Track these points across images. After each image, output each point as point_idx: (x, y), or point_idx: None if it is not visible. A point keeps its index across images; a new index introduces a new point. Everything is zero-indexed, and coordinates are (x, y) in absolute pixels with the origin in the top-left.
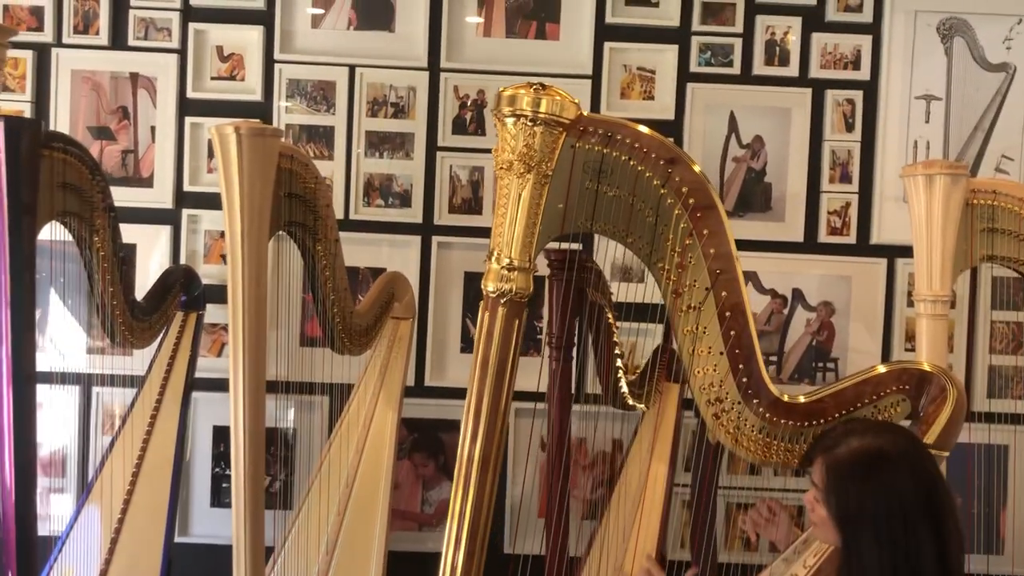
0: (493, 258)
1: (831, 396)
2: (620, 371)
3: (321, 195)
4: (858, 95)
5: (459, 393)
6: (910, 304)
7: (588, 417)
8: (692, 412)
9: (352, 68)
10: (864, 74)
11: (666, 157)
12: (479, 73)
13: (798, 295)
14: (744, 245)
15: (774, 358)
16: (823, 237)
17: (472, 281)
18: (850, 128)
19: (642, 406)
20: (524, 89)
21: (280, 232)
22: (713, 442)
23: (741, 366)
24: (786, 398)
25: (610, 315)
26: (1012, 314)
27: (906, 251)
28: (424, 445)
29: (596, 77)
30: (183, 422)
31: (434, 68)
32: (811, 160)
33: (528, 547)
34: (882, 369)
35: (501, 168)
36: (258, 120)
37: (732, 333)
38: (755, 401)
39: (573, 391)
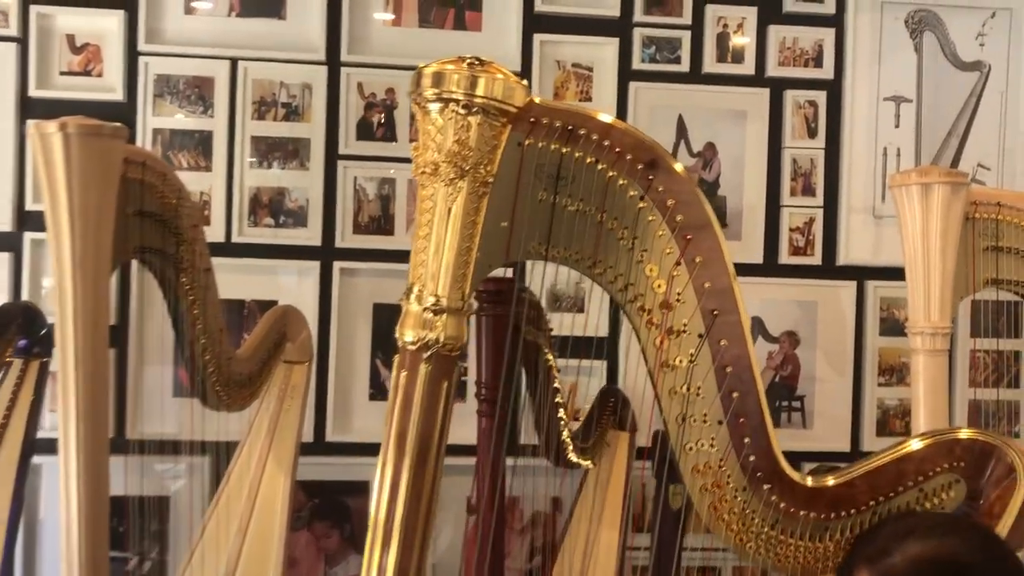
0: (412, 296)
1: (863, 478)
2: (562, 423)
3: (186, 213)
4: (821, 96)
5: (368, 449)
6: (883, 333)
7: (524, 472)
8: (646, 462)
9: (234, 62)
10: (827, 72)
11: (646, 159)
12: (387, 68)
13: (758, 324)
14: None
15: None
16: (785, 258)
17: (383, 314)
18: (813, 133)
19: (587, 463)
20: (454, 65)
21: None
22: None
23: (747, 439)
24: (809, 481)
25: (549, 356)
26: (993, 342)
27: (877, 272)
28: (327, 512)
29: (525, 74)
30: (19, 493)
31: (333, 62)
32: (770, 170)
33: None
34: (923, 442)
35: (423, 173)
36: (120, 124)
37: (735, 395)
38: (766, 487)
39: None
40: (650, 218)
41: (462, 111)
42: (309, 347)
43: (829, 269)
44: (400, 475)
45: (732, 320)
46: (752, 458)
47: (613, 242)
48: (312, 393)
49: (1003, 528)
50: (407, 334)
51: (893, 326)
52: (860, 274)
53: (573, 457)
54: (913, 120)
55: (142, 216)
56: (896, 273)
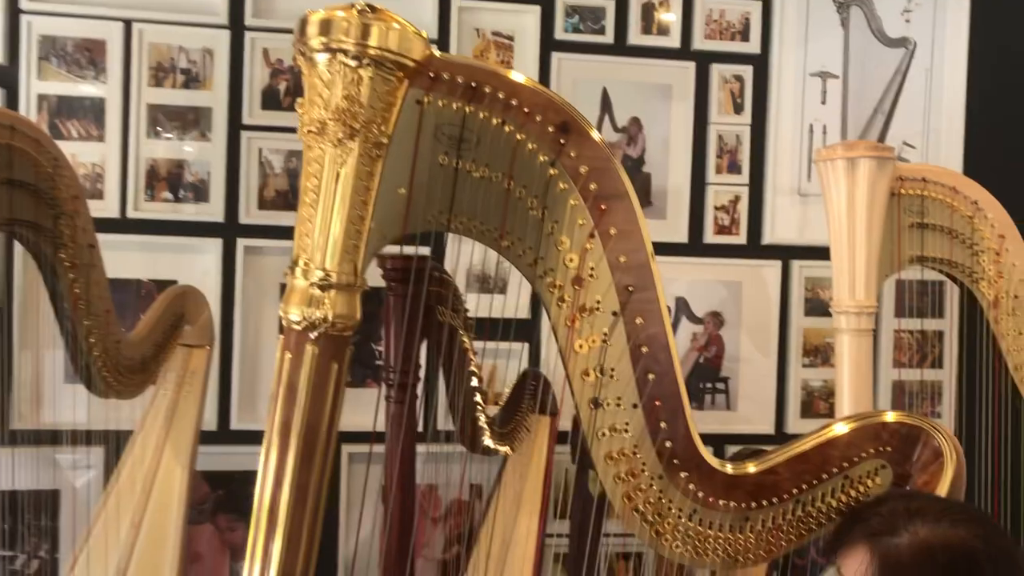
0: (298, 270)
1: (786, 464)
2: (478, 409)
3: (64, 184)
4: (747, 71)
5: None
6: (807, 313)
7: (439, 458)
8: (568, 447)
9: (128, 24)
10: (754, 46)
11: (557, 122)
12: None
13: (682, 305)
14: None
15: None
16: (710, 237)
17: None
18: (739, 109)
19: (506, 449)
20: (344, 11)
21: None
22: (637, 536)
23: (664, 424)
24: (729, 469)
25: (466, 339)
26: (917, 322)
27: (802, 252)
28: (232, 504)
29: (443, 42)
30: None
31: (237, 25)
32: (696, 147)
33: None
34: (849, 426)
35: (309, 132)
36: None
37: (650, 377)
38: (684, 474)
39: (420, 428)
40: (561, 186)
41: (352, 63)
42: (210, 330)
43: (754, 249)
44: (284, 468)
45: (648, 297)
46: (669, 444)
47: (522, 212)
48: (215, 379)
49: None
50: (292, 312)
51: (818, 306)
52: (785, 254)
53: (489, 443)
54: (839, 96)
55: (12, 185)
56: (821, 253)
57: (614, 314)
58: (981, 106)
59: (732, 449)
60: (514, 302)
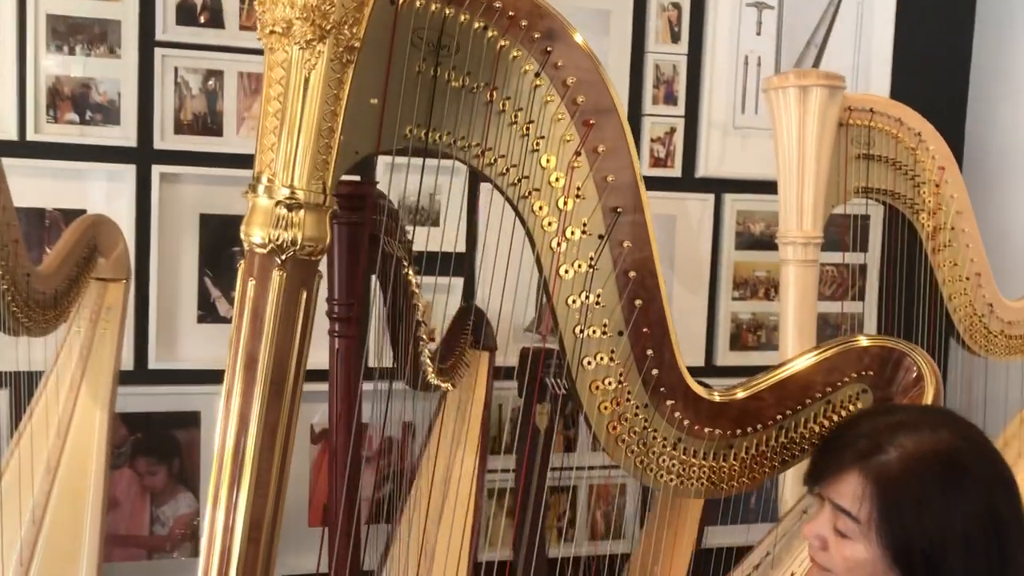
0: (261, 188)
1: (770, 390)
2: (421, 343)
3: None
4: None
5: (198, 376)
6: (738, 247)
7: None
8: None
9: None
10: None
11: (543, 28)
12: None
13: None
14: None
15: None
16: (646, 170)
17: (211, 226)
18: (676, 38)
19: (447, 384)
20: None
21: None
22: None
23: (650, 352)
24: (717, 397)
25: (409, 271)
26: (838, 255)
27: (735, 185)
28: (152, 447)
29: None
30: None
31: None
32: (632, 77)
33: (302, 564)
34: (831, 351)
35: (273, 33)
36: None
37: (637, 303)
38: (670, 403)
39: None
40: (547, 98)
41: None
42: (126, 262)
43: (688, 182)
44: (250, 406)
45: (636, 219)
46: (655, 372)
47: (505, 126)
48: (131, 316)
49: None
50: (255, 234)
51: (748, 240)
52: (718, 187)
53: (433, 379)
54: (774, 28)
55: None
56: (753, 186)
57: (600, 237)
58: (909, 40)
59: None
60: (450, 235)
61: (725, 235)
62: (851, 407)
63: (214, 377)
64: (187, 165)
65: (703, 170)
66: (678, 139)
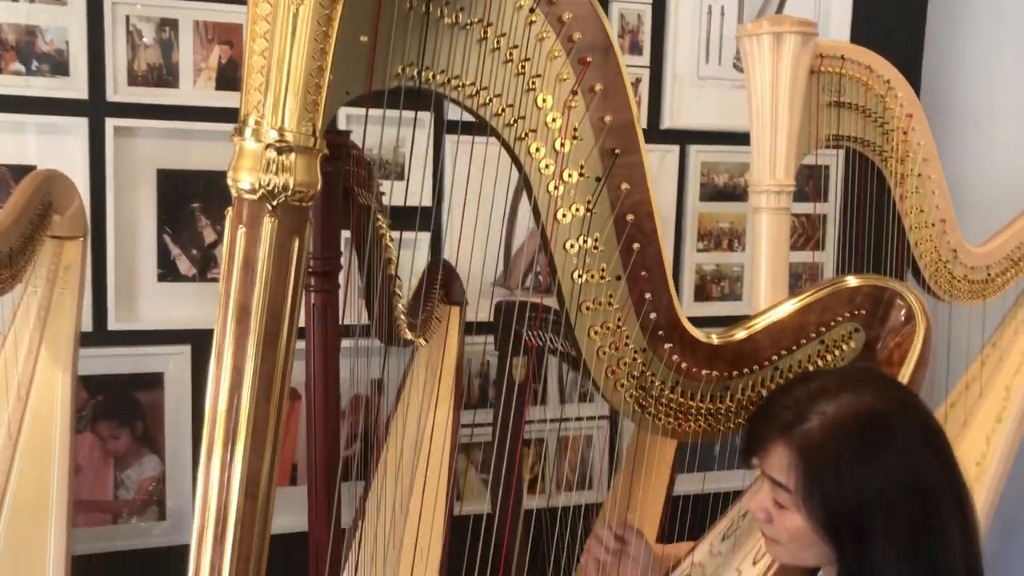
0: (248, 130)
1: (764, 332)
2: (396, 297)
3: None
4: None
5: (159, 337)
6: (702, 198)
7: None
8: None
9: None
10: None
11: None
12: None
13: None
14: None
15: None
16: None
17: (170, 182)
18: None
19: (420, 340)
20: None
21: None
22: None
23: (648, 295)
24: (715, 339)
25: (383, 223)
26: (803, 206)
27: (699, 137)
28: (114, 410)
29: None
30: None
31: None
32: None
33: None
34: (824, 292)
35: None
36: None
37: (635, 246)
38: (668, 346)
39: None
40: (543, 35)
41: None
42: (83, 219)
43: (654, 133)
44: (244, 360)
45: (634, 161)
46: (653, 315)
47: (499, 64)
48: (88, 276)
49: (903, 376)
50: (243, 179)
51: (712, 191)
52: (683, 138)
53: (408, 334)
54: None
55: None
56: (718, 137)
57: (598, 180)
58: None
59: None
60: (416, 189)
61: (690, 186)
62: (844, 346)
63: (176, 338)
64: (142, 118)
65: (668, 121)
66: (643, 90)
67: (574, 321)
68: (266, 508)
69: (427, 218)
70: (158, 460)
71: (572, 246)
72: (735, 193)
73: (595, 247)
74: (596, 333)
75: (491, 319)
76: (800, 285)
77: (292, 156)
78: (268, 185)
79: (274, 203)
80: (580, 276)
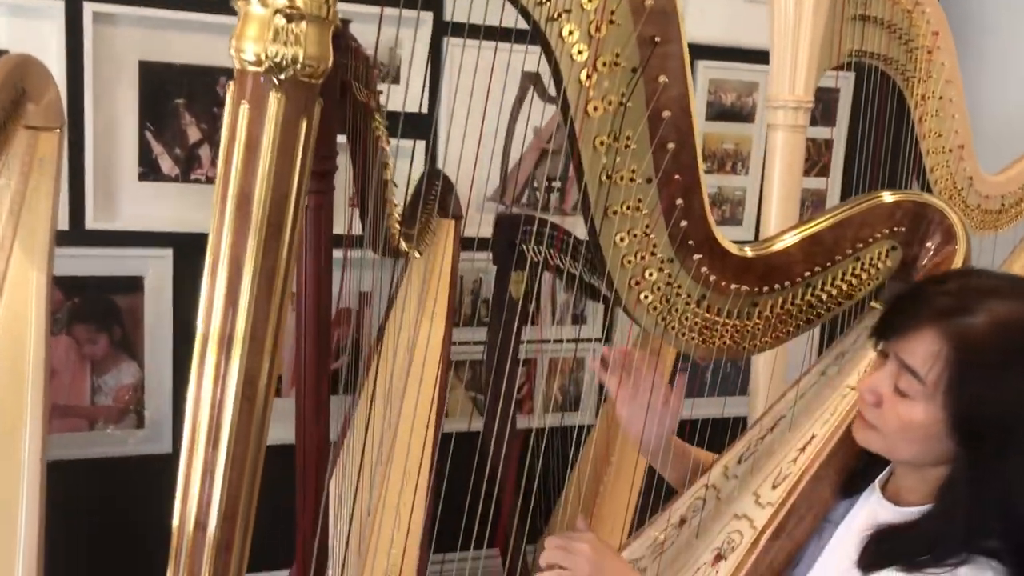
0: None
1: (799, 245)
2: (391, 206)
3: None
4: None
5: (139, 239)
6: (708, 117)
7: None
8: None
9: None
10: None
11: None
12: None
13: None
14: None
15: (557, 184)
16: None
17: (153, 75)
18: None
19: (414, 251)
20: None
21: None
22: (642, 325)
23: (680, 201)
24: (749, 251)
25: (379, 124)
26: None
27: (707, 52)
28: (91, 313)
29: None
30: None
31: None
32: None
33: None
34: (863, 205)
35: None
36: None
37: (670, 146)
38: (697, 256)
39: None
40: None
41: None
42: (59, 109)
43: None
44: (243, 253)
45: (673, 51)
46: (683, 223)
47: None
48: (65, 173)
49: None
50: (247, 49)
51: (719, 110)
52: (692, 53)
53: (402, 245)
54: None
55: None
56: (728, 53)
57: (634, 71)
58: None
59: None
60: (413, 94)
61: (696, 104)
62: (880, 264)
63: (158, 240)
64: (123, 4)
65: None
66: None
67: (599, 227)
68: (263, 413)
69: (422, 126)
70: (137, 367)
71: (602, 143)
72: (742, 114)
73: (627, 145)
74: (622, 240)
75: (480, 234)
76: (805, 212)
77: (303, 25)
78: (275, 56)
79: (281, 77)
80: (608, 177)
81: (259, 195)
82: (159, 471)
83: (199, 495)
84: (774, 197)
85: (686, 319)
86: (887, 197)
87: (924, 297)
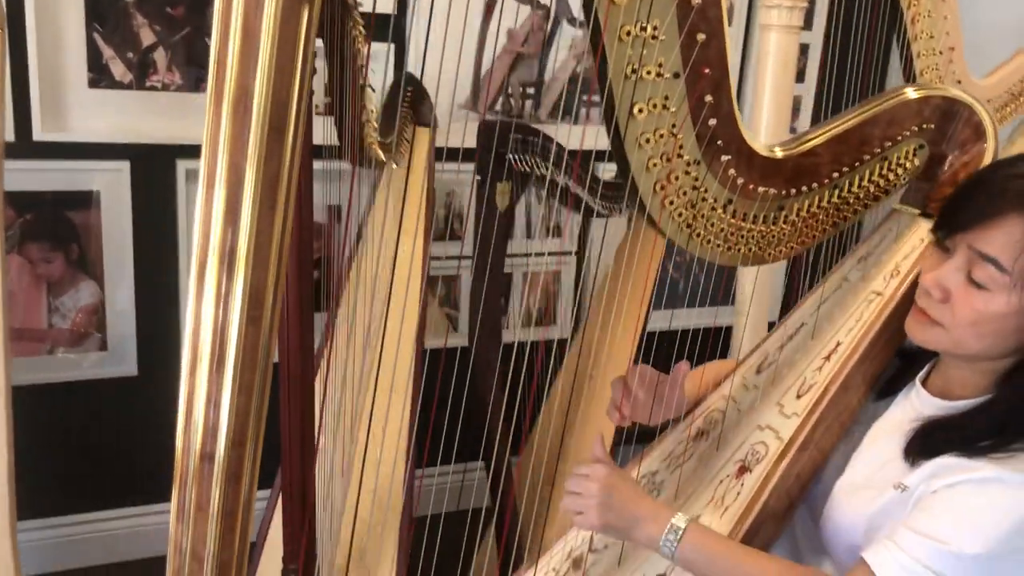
0: None
1: (826, 145)
2: (366, 111)
3: None
4: None
5: (93, 151)
6: None
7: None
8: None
9: None
10: None
11: None
12: None
13: (564, 7)
14: None
15: (531, 90)
16: None
17: None
18: None
19: (392, 161)
20: None
21: None
22: (665, 235)
23: (709, 98)
24: (779, 152)
25: (358, 25)
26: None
27: None
28: (44, 230)
29: None
30: None
31: None
32: None
33: None
34: (890, 101)
35: None
36: None
37: (699, 37)
38: (725, 158)
39: None
40: None
41: None
42: None
43: None
44: (243, 158)
45: None
46: (712, 122)
47: None
48: (8, 78)
49: None
50: None
51: None
52: None
53: (380, 154)
54: None
55: None
56: None
57: None
58: None
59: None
60: None
61: None
62: (907, 164)
63: (112, 152)
64: None
65: None
66: None
67: (624, 128)
68: (270, 331)
69: (389, 27)
70: (96, 286)
71: (628, 33)
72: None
73: (653, 36)
74: (648, 141)
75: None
76: None
77: None
78: None
79: None
80: (634, 72)
81: (259, 92)
82: (127, 394)
83: (203, 423)
84: (765, 103)
85: (711, 225)
86: (911, 93)
87: (1001, 183)
